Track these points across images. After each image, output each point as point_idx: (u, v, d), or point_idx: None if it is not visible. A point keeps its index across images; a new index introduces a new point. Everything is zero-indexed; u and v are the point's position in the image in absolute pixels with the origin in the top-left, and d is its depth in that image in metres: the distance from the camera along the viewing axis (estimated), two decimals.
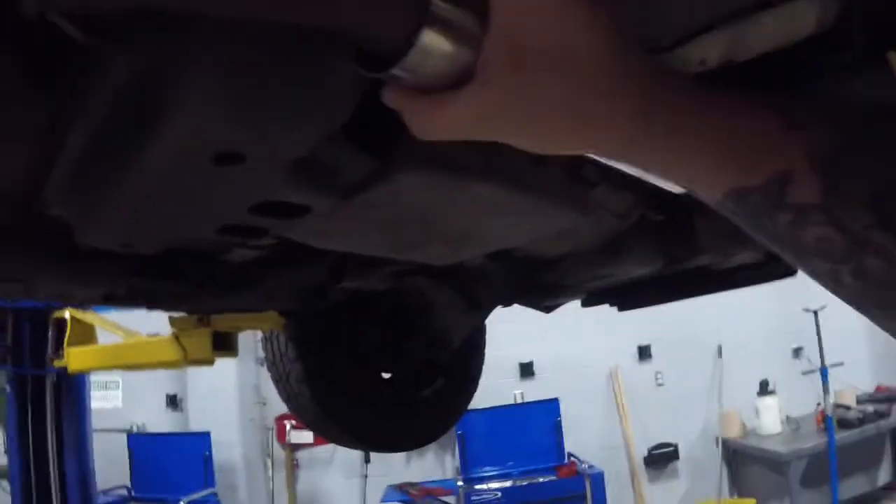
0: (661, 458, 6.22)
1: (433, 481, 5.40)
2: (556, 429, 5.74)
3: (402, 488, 5.25)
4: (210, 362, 2.29)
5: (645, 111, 0.52)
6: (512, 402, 5.95)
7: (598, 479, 5.07)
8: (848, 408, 5.73)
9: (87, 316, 2.69)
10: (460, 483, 5.18)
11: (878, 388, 6.19)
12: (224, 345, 2.27)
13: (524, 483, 5.20)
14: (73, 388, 3.35)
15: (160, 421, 6.04)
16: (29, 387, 3.26)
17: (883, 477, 6.45)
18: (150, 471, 5.71)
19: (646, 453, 6.23)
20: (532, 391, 6.05)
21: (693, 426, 6.30)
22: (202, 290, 1.53)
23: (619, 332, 5.93)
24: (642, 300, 2.50)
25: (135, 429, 5.98)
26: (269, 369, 2.41)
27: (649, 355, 6.33)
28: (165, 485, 5.45)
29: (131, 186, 0.76)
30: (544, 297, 2.46)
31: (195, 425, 5.81)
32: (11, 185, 0.83)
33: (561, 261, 1.86)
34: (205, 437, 5.60)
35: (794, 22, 0.83)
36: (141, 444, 5.83)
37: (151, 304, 1.72)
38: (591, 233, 1.64)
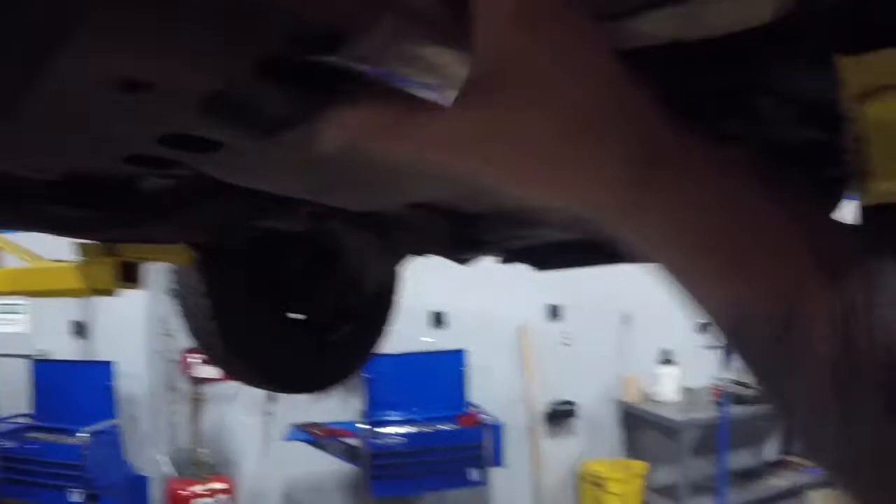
0: (561, 416, 6.43)
1: (337, 422, 5.43)
2: (462, 379, 5.84)
3: (305, 428, 5.28)
4: (113, 293, 2.24)
5: (640, 176, 0.42)
6: (421, 349, 6.01)
7: (497, 431, 5.21)
8: (744, 385, 6.00)
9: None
10: (364, 425, 5.25)
11: None
12: (129, 276, 2.22)
13: (426, 429, 5.31)
14: None
15: (66, 348, 5.90)
16: None
17: (768, 453, 6.88)
18: (52, 399, 5.56)
19: (546, 409, 6.42)
20: (442, 340, 6.13)
21: (594, 387, 6.54)
22: (112, 219, 1.51)
23: (530, 290, 6.05)
24: (560, 262, 2.57)
25: (39, 355, 5.84)
26: (178, 303, 2.40)
27: (558, 315, 6.50)
28: (67, 413, 5.33)
29: (28, 110, 0.75)
30: (463, 252, 2.49)
31: (101, 354, 5.70)
32: None
33: (482, 217, 1.89)
34: (108, 366, 5.48)
35: (750, 7, 0.84)
36: (44, 371, 5.67)
37: (59, 230, 1.69)
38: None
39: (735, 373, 5.98)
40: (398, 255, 2.34)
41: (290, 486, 6.13)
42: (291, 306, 2.60)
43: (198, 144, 0.87)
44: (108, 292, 2.22)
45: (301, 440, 5.19)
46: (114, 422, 5.44)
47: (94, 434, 5.05)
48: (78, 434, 4.96)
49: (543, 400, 6.40)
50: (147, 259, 2.21)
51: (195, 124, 0.81)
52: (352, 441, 5.14)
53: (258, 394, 5.49)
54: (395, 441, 5.07)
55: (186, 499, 4.98)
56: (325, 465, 5.53)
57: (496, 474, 5.40)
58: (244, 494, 5.83)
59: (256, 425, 5.81)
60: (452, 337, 6.13)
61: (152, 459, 5.67)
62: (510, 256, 2.61)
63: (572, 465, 6.50)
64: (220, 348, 2.44)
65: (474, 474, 5.12)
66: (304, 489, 6.15)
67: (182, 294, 2.38)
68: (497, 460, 5.23)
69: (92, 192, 1.37)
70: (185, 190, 1.48)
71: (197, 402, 5.53)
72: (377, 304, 2.86)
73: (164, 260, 2.23)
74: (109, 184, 1.37)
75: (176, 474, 5.46)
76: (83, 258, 2.18)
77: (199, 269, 2.31)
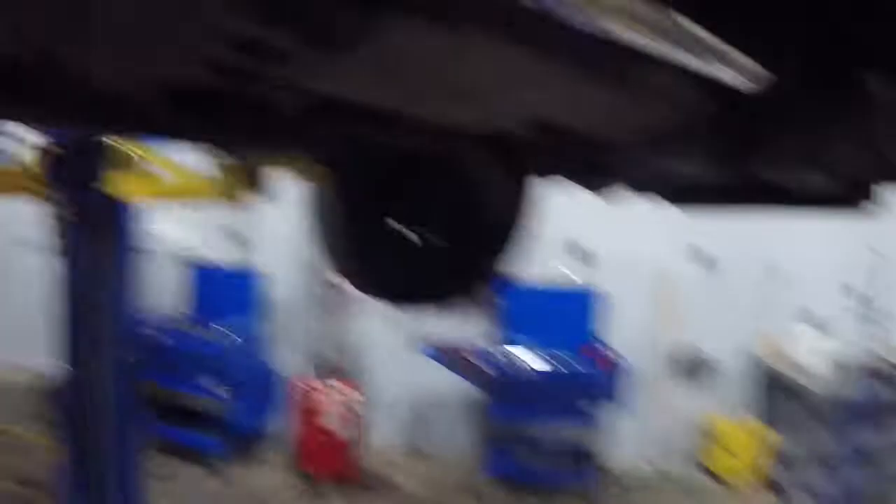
0: (693, 366, 6.17)
1: (468, 344, 5.52)
2: (596, 316, 5.76)
3: (436, 345, 5.41)
4: (243, 201, 2.36)
5: None
6: (561, 282, 5.96)
7: (624, 373, 5.10)
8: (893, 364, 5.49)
9: (129, 145, 2.77)
10: (492, 350, 5.30)
11: None
12: (259, 185, 2.33)
13: (553, 362, 5.28)
14: (112, 212, 3.35)
15: (224, 254, 6.33)
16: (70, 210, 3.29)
17: None
18: (205, 299, 6.12)
19: (679, 358, 6.19)
20: (582, 275, 6.03)
21: (732, 342, 6.17)
22: (251, 137, 1.57)
23: (676, 234, 5.84)
24: (700, 202, 2.42)
25: (199, 259, 6.32)
26: (311, 218, 2.48)
27: (703, 262, 6.12)
28: (216, 311, 5.81)
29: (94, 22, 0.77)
30: (593, 181, 2.40)
31: (254, 262, 6.10)
32: None
33: (610, 145, 1.78)
34: (257, 273, 5.90)
35: None
36: (201, 274, 6.20)
37: (216, 144, 1.79)
38: (644, 120, 1.56)
39: (886, 349, 5.51)
40: (524, 179, 2.27)
41: (417, 398, 6.36)
42: (418, 226, 2.63)
43: (265, 52, 0.88)
44: (239, 200, 2.34)
45: (431, 356, 5.30)
46: (258, 324, 5.79)
47: (238, 333, 5.37)
48: (224, 332, 5.27)
49: (677, 347, 6.19)
50: (278, 173, 2.30)
51: (252, 27, 0.82)
52: (479, 363, 5.20)
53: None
54: (520, 369, 5.09)
55: (316, 399, 5.23)
56: (452, 383, 5.64)
57: (618, 416, 5.34)
58: (373, 401, 6.07)
59: (391, 338, 6.00)
60: (593, 273, 6.00)
61: (291, 361, 5.98)
62: (643, 189, 2.48)
63: (697, 418, 6.25)
64: (347, 263, 2.54)
65: (596, 413, 5.08)
66: (430, 403, 6.37)
67: (314, 210, 2.47)
68: (621, 402, 5.15)
69: (229, 110, 1.44)
70: (311, 111, 1.51)
71: (338, 311, 5.76)
72: (504, 228, 2.82)
73: (294, 174, 2.31)
74: (248, 103, 1.43)
75: (310, 376, 5.73)
76: (216, 169, 2.30)
77: (331, 186, 2.38)
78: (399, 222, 2.61)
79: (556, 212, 5.14)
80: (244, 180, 2.25)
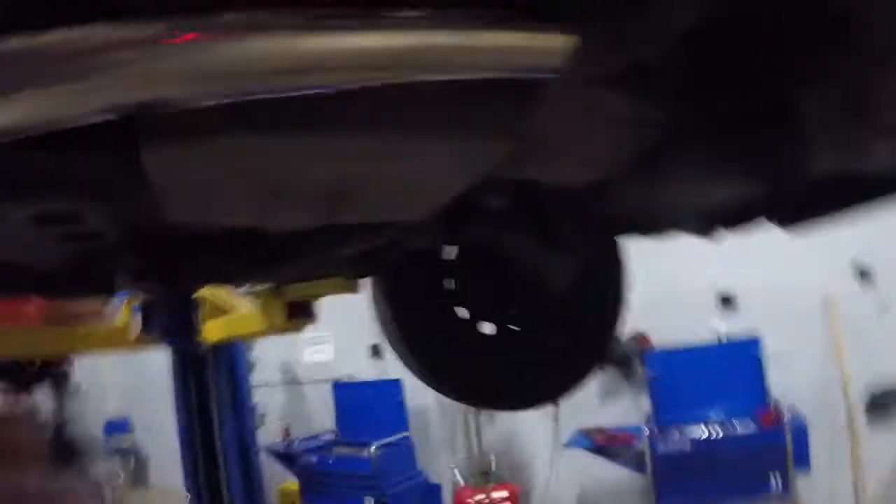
0: (885, 403, 5.38)
1: (621, 427, 5.17)
2: (759, 370, 5.24)
3: (588, 434, 5.10)
4: (292, 329, 2.40)
5: None
6: (710, 338, 5.50)
7: (803, 429, 4.58)
8: None
9: (219, 294, 2.92)
10: (647, 430, 4.92)
11: None
12: (302, 312, 2.38)
13: (718, 431, 4.82)
14: (224, 356, 3.61)
15: (366, 369, 6.43)
16: (185, 358, 3.57)
17: None
18: (352, 416, 6.24)
19: (865, 397, 5.44)
20: (733, 325, 5.53)
21: None
22: (244, 264, 1.57)
23: (832, 253, 5.13)
24: (808, 214, 2.10)
25: (344, 378, 6.47)
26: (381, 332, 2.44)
27: (871, 278, 5.44)
28: (365, 429, 5.89)
29: None
30: (645, 228, 2.18)
31: (395, 373, 6.09)
32: None
33: (595, 189, 1.56)
34: (398, 383, 5.91)
35: None
36: (343, 392, 6.39)
37: (199, 279, 1.81)
38: (594, 153, 1.34)
39: None
40: (569, 248, 2.08)
41: (583, 492, 6.00)
42: (480, 318, 2.51)
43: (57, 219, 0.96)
44: (287, 329, 2.37)
45: (583, 447, 5.02)
46: (405, 434, 5.82)
47: (385, 446, 5.43)
48: (375, 448, 5.31)
49: (860, 385, 5.44)
50: (310, 294, 2.31)
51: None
52: (637, 446, 4.87)
53: None
54: (683, 446, 4.69)
55: None
56: (618, 471, 5.27)
57: (803, 480, 4.79)
58: (537, 500, 5.82)
59: (546, 431, 5.75)
60: (744, 320, 5.50)
61: (444, 468, 5.90)
62: (728, 221, 2.21)
63: None
64: (418, 369, 2.45)
65: (776, 481, 4.57)
66: (597, 495, 5.97)
67: (379, 321, 2.42)
68: (803, 464, 4.62)
69: (213, 243, 1.45)
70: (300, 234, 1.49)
71: (479, 411, 5.65)
72: (585, 307, 2.64)
73: (325, 293, 2.30)
74: (232, 233, 1.44)
75: (464, 482, 5.60)
76: (259, 302, 2.35)
77: (380, 296, 2.34)
78: (459, 319, 2.51)
79: (696, 261, 4.83)
80: (284, 310, 2.29)
